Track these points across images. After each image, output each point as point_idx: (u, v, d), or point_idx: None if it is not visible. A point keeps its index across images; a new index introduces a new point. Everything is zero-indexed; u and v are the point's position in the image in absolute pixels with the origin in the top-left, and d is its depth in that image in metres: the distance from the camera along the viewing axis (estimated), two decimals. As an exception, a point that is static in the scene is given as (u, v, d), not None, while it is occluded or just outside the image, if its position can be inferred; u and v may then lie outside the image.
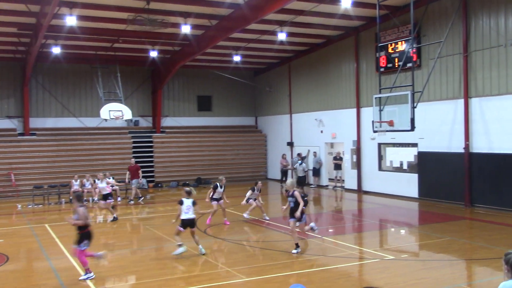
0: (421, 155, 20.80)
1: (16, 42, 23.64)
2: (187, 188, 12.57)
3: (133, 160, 24.10)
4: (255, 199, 16.82)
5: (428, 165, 20.43)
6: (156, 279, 10.37)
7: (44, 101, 27.77)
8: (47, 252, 12.79)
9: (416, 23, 18.72)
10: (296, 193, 12.24)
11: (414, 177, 21.20)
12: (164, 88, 29.96)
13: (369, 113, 20.72)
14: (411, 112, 16.34)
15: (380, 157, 23.25)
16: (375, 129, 17.89)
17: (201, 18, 20.49)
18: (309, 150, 27.76)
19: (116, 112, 24.69)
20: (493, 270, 10.59)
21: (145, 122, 30.27)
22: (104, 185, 18.67)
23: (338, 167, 25.71)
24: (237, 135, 31.72)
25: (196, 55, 24.75)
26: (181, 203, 12.08)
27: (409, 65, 19.04)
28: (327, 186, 26.81)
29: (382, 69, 21.05)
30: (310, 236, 13.95)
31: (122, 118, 24.93)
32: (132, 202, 22.26)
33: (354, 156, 24.63)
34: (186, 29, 20.36)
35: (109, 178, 23.68)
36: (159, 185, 28.70)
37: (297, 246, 12.10)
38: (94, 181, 23.17)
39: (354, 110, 24.28)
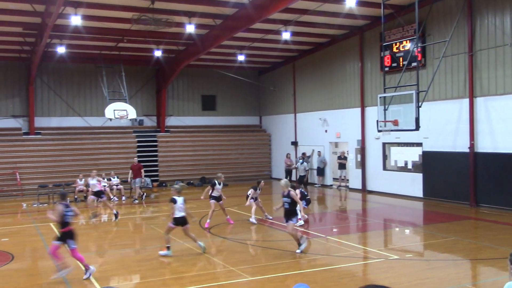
0: (425, 155, 20.74)
1: (21, 42, 23.73)
2: (177, 186, 12.55)
3: (135, 159, 24.17)
4: (255, 199, 16.44)
5: (433, 165, 20.36)
6: (159, 278, 10.40)
7: (49, 100, 27.86)
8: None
9: (421, 22, 18.64)
10: (292, 193, 11.92)
11: (419, 176, 21.14)
12: (168, 88, 30.00)
13: (373, 113, 20.67)
14: (415, 112, 16.28)
15: (385, 157, 23.20)
16: (380, 128, 17.86)
17: (205, 17, 20.50)
18: (313, 150, 27.74)
19: (120, 111, 24.75)
20: (498, 270, 10.54)
21: (150, 122, 30.32)
22: (95, 182, 18.14)
23: (342, 166, 25.67)
24: (241, 135, 31.72)
25: (200, 54, 24.78)
26: (174, 201, 12.00)
27: (414, 64, 18.98)
28: (331, 185, 26.77)
29: (386, 69, 20.98)
30: (315, 235, 13.93)
31: (127, 117, 24.98)
32: (136, 201, 22.33)
33: (359, 156, 24.59)
34: (190, 28, 20.39)
35: (114, 177, 23.88)
36: (163, 184, 28.75)
37: (299, 244, 11.92)
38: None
39: (359, 110, 24.23)
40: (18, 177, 25.07)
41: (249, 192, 16.48)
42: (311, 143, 28.17)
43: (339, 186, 25.89)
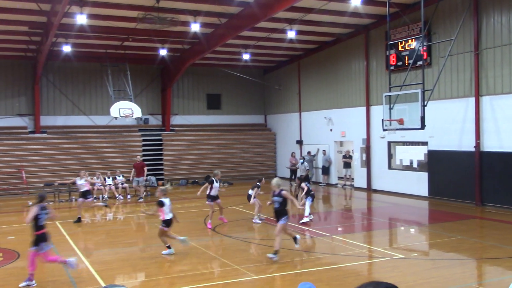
0: (431, 154, 20.68)
1: (27, 41, 23.83)
2: (163, 187, 12.49)
3: (138, 157, 24.15)
4: (254, 197, 16.05)
5: (438, 164, 20.30)
6: (164, 276, 10.42)
7: (55, 99, 27.96)
8: (58, 249, 12.85)
9: (427, 20, 18.59)
10: (284, 193, 11.47)
11: (424, 175, 21.09)
12: (173, 86, 30.04)
13: (379, 112, 20.62)
14: (421, 111, 16.23)
15: (390, 156, 23.15)
16: (385, 127, 17.81)
17: (210, 16, 20.52)
18: (318, 149, 27.71)
19: (126, 110, 24.82)
20: (504, 270, 10.51)
21: (155, 120, 30.37)
22: (83, 182, 17.46)
23: (347, 165, 25.63)
24: (246, 133, 31.73)
25: (205, 53, 24.79)
26: (162, 204, 11.89)
27: (420, 63, 18.91)
28: (336, 184, 26.74)
29: (392, 67, 20.92)
30: (320, 234, 13.91)
31: (132, 116, 25.05)
32: (141, 200, 22.38)
33: (364, 155, 24.54)
34: (195, 27, 20.39)
35: (119, 176, 23.94)
36: (169, 182, 28.76)
37: (295, 238, 11.62)
38: (104, 179, 23.37)
39: (364, 109, 24.19)
40: (24, 175, 25.19)
41: (251, 192, 16.17)
42: (316, 142, 28.15)
43: (344, 185, 25.86)
